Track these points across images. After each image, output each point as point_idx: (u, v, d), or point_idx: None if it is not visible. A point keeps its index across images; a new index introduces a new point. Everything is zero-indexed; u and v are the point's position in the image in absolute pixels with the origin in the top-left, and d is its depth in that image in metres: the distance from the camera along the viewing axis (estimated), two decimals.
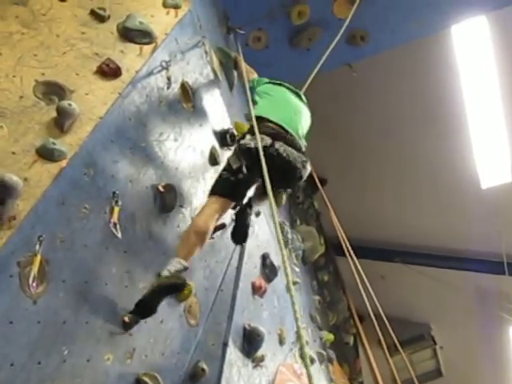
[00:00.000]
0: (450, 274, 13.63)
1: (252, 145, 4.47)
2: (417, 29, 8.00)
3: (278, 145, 4.55)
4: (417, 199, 12.25)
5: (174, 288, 3.91)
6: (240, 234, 4.83)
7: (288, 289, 2.83)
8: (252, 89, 5.59)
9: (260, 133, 4.50)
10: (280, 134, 4.72)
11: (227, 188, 4.52)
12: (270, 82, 5.54)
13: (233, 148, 5.06)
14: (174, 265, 3.92)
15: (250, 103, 5.17)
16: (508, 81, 9.51)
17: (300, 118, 5.15)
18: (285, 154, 4.54)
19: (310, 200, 12.49)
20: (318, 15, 7.84)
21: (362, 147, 11.40)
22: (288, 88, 5.45)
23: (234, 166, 4.55)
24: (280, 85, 5.47)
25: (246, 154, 4.46)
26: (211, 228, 4.33)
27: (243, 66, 6.13)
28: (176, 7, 5.02)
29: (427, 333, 15.97)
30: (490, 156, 10.84)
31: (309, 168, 4.73)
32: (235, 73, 6.47)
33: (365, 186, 12.25)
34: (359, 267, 8.46)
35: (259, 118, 4.82)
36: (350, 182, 12.25)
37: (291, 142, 4.71)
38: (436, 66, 9.59)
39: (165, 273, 3.84)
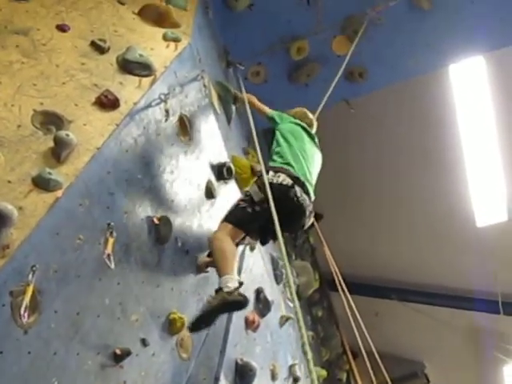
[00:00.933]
0: (445, 312, 13.58)
1: (274, 181, 4.82)
2: (415, 67, 8.07)
3: (297, 188, 4.89)
4: (412, 236, 12.24)
5: (238, 305, 4.17)
6: None
7: (291, 300, 2.87)
8: (273, 121, 5.81)
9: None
10: (299, 180, 5.01)
11: (243, 218, 4.74)
12: (291, 122, 5.71)
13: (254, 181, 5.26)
14: (230, 282, 4.15)
15: (256, 141, 5.43)
16: (504, 120, 9.57)
17: (314, 168, 5.45)
18: (301, 199, 4.89)
19: (305, 235, 12.45)
20: (317, 51, 7.91)
21: (357, 183, 11.42)
22: (304, 129, 5.65)
23: (257, 199, 4.74)
24: (298, 125, 5.67)
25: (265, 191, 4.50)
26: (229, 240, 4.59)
27: (245, 96, 6.20)
28: (176, 40, 5.06)
29: (421, 371, 15.86)
30: (486, 195, 10.85)
31: (312, 219, 5.10)
32: (233, 107, 6.50)
33: (360, 221, 12.23)
34: (352, 303, 8.42)
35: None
36: (346, 218, 12.23)
37: (306, 190, 5.05)
38: (433, 103, 9.66)
39: (225, 289, 4.09)
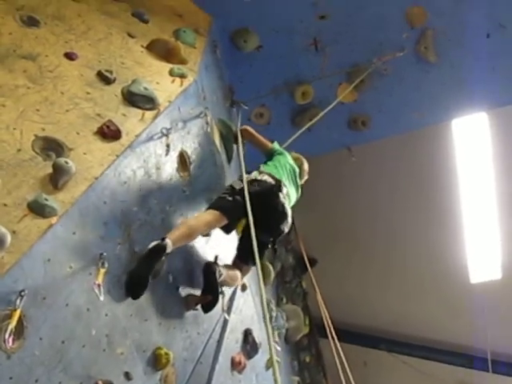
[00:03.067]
0: (433, 366, 13.44)
1: (258, 178, 5.24)
2: (418, 119, 8.11)
3: (280, 189, 5.21)
4: (404, 287, 12.18)
5: (155, 251, 4.11)
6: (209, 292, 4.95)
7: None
8: (274, 151, 6.01)
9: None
10: (282, 183, 5.34)
11: (223, 205, 4.92)
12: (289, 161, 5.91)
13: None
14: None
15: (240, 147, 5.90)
16: (503, 177, 9.60)
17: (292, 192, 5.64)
18: (283, 198, 5.19)
19: (298, 279, 12.42)
20: (321, 97, 7.95)
21: (351, 231, 11.42)
22: (295, 175, 5.86)
23: (237, 187, 5.01)
24: (293, 168, 5.87)
25: (249, 185, 4.97)
26: (198, 231, 4.72)
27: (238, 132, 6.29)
28: (182, 76, 5.10)
29: None
30: (481, 251, 10.83)
31: (289, 224, 5.33)
32: (235, 146, 6.52)
33: (353, 269, 12.20)
34: (341, 351, 8.36)
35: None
36: (339, 265, 12.19)
37: (288, 196, 5.40)
38: (433, 156, 9.70)
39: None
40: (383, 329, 13.73)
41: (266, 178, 5.27)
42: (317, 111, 7.99)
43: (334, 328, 8.91)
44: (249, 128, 6.37)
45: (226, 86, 7.14)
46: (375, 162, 9.98)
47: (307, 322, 11.12)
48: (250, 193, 4.78)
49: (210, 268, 4.95)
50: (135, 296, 4.00)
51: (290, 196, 5.49)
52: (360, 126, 8.32)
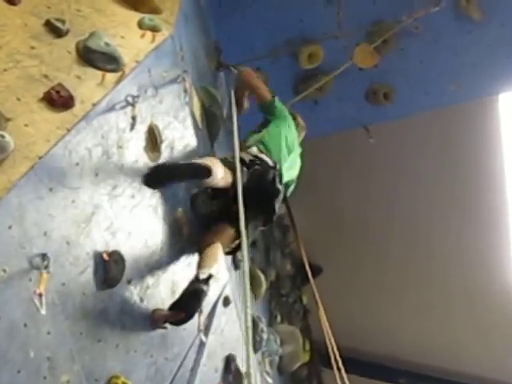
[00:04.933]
0: None
1: (258, 155, 6.11)
2: (456, 92, 8.10)
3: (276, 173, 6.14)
4: (429, 305, 12.20)
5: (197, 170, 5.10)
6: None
7: None
8: (271, 110, 6.72)
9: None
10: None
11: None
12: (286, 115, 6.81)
13: None
14: None
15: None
16: None
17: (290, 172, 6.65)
18: (278, 185, 6.12)
19: (297, 292, 12.45)
20: (332, 60, 7.93)
21: (364, 232, 11.44)
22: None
23: (247, 160, 5.84)
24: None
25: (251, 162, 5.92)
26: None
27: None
28: (154, 30, 5.06)
29: None
30: None
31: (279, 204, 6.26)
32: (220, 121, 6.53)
33: (366, 281, 12.22)
34: None
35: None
36: (349, 275, 12.22)
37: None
38: (473, 138, 9.70)
39: None
40: (403, 359, 13.78)
41: (264, 157, 6.16)
42: (326, 79, 8.00)
43: (340, 356, 8.93)
44: (250, 71, 6.58)
45: (211, 44, 7.13)
46: (395, 146, 9.96)
47: (307, 348, 11.16)
48: (251, 173, 5.75)
49: (196, 286, 5.01)
50: (152, 183, 4.78)
51: (285, 173, 6.39)
52: (381, 100, 8.33)
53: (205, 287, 4.98)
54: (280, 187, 6.18)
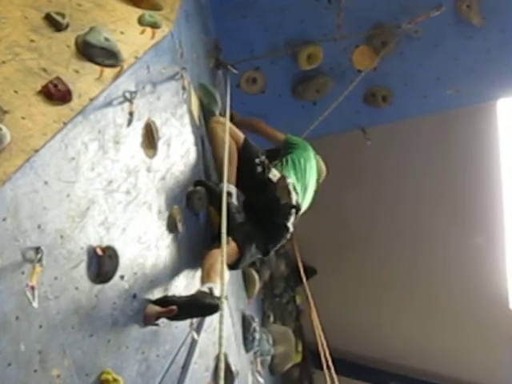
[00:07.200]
0: None
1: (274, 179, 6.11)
2: (454, 96, 8.10)
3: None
4: (425, 309, 12.19)
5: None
6: None
7: None
8: (290, 146, 6.81)
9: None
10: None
11: None
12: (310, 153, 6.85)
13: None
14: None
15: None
16: None
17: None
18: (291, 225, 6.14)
19: (290, 293, 12.44)
20: (332, 62, 7.95)
21: (362, 233, 11.44)
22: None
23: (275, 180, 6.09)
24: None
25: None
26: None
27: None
28: (154, 26, 5.06)
29: None
30: None
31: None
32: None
33: (362, 283, 12.21)
34: None
35: None
36: (345, 277, 12.20)
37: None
38: (471, 145, 9.69)
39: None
40: (396, 362, 13.76)
41: (293, 195, 6.17)
42: (325, 80, 8.00)
43: (332, 358, 8.92)
44: (256, 120, 6.67)
45: (211, 42, 7.13)
46: (397, 148, 9.96)
47: (299, 349, 11.16)
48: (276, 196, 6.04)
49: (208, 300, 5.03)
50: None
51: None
52: (379, 102, 8.34)
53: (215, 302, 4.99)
54: (291, 228, 6.16)
